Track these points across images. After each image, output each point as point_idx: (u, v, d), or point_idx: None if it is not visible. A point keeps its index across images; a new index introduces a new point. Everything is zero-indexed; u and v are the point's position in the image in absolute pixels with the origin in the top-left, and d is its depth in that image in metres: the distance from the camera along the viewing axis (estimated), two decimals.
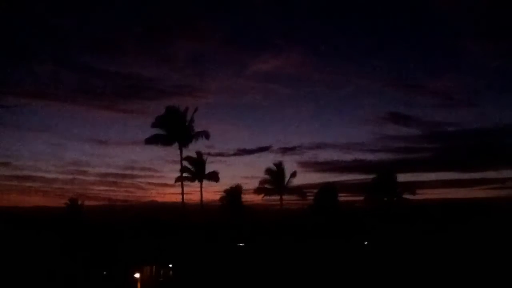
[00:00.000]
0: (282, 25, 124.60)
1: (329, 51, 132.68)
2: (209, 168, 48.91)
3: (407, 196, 49.16)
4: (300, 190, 52.10)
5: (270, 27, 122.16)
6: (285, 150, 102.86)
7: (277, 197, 51.71)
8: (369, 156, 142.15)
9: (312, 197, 51.40)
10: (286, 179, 51.09)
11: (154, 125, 44.95)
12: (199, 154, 48.38)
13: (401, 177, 49.70)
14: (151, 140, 45.07)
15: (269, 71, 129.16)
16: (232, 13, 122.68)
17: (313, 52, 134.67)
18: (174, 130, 44.97)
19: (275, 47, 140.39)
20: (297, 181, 52.52)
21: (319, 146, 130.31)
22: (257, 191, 51.52)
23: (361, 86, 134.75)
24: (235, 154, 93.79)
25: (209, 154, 50.21)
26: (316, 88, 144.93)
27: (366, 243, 44.91)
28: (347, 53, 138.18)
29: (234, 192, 50.77)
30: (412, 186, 50.47)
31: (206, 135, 45.23)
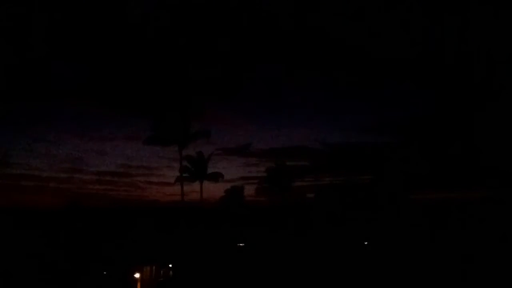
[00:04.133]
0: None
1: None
2: (211, 167, 48.93)
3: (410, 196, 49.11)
4: (300, 190, 52.29)
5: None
6: (286, 149, 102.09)
7: (277, 197, 51.82)
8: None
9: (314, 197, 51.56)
10: (285, 178, 51.18)
11: (151, 129, 45.19)
12: (199, 154, 48.31)
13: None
14: (149, 142, 45.35)
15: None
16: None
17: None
18: (171, 132, 45.02)
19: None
20: (300, 181, 52.77)
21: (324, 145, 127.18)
22: (257, 191, 51.71)
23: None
24: (235, 153, 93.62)
25: (210, 154, 49.40)
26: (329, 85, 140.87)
27: (366, 243, 44.95)
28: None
29: (236, 192, 50.83)
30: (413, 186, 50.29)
31: (206, 134, 44.86)
